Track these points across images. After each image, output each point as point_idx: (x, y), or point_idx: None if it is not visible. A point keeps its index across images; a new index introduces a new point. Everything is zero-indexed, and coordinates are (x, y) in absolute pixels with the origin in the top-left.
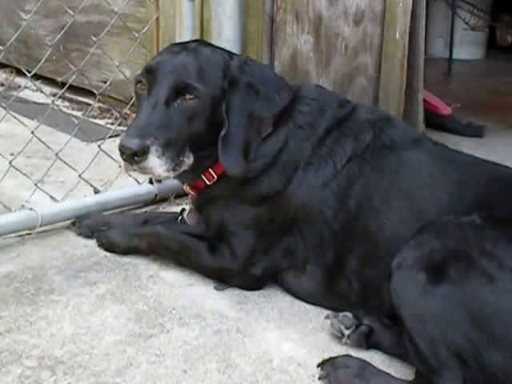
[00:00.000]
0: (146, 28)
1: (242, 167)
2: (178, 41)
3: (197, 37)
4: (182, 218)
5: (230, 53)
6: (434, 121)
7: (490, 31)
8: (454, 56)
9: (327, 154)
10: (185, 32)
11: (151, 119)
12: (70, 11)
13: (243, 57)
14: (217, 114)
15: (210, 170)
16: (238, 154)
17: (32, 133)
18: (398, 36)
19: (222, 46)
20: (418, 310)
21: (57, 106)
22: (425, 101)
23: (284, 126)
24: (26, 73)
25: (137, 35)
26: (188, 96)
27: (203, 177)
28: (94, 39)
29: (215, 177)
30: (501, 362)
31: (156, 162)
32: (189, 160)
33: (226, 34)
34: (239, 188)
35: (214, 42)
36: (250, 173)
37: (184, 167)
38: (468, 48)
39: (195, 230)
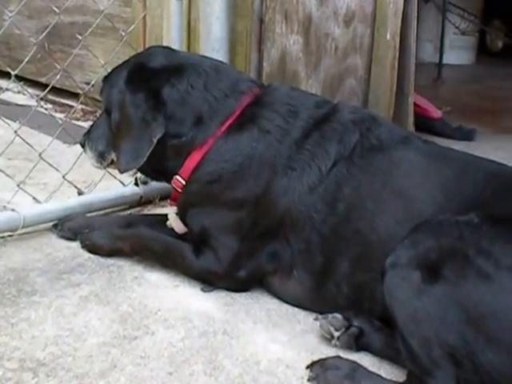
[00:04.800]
0: (132, 27)
1: (124, 167)
2: (164, 40)
3: (184, 36)
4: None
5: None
6: (424, 124)
7: (480, 36)
8: (444, 61)
9: (310, 159)
10: (172, 32)
11: (95, 121)
12: (55, 10)
13: (187, 59)
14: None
15: (178, 177)
16: (125, 154)
17: (15, 132)
18: (388, 37)
19: (210, 45)
20: (411, 310)
21: (41, 106)
22: (415, 104)
23: (246, 130)
24: (11, 71)
25: (123, 35)
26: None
27: (174, 185)
28: (79, 37)
29: (183, 182)
30: (496, 362)
31: (89, 154)
32: (110, 156)
33: (214, 34)
34: (208, 192)
35: (202, 42)
36: (208, 175)
37: (108, 161)
38: (458, 53)
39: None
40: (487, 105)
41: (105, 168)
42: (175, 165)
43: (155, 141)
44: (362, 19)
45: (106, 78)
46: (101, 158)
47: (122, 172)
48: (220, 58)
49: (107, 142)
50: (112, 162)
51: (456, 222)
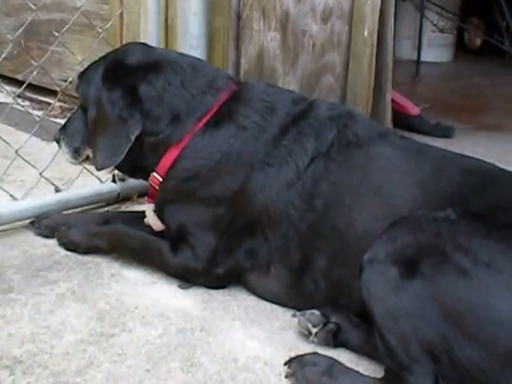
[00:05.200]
0: (108, 24)
1: (101, 164)
2: (142, 37)
3: (162, 33)
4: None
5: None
6: (402, 121)
7: (458, 34)
8: (422, 58)
9: (287, 155)
10: (149, 28)
11: (70, 117)
12: (32, 7)
13: (166, 56)
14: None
15: (155, 174)
16: (102, 152)
17: None
18: (366, 34)
19: (188, 42)
20: (389, 306)
21: (18, 103)
22: (393, 101)
23: (223, 127)
24: None
25: (100, 31)
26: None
27: (151, 182)
28: (56, 34)
29: (160, 179)
30: (475, 358)
31: (64, 150)
32: (85, 152)
33: (191, 31)
34: (185, 189)
35: (179, 39)
36: (185, 172)
37: (83, 157)
38: (436, 50)
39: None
40: (465, 102)
41: (80, 164)
42: (152, 162)
43: (133, 138)
44: (339, 16)
45: (82, 74)
46: (76, 153)
47: (98, 170)
48: (198, 55)
49: (82, 138)
50: (87, 158)
51: (433, 218)
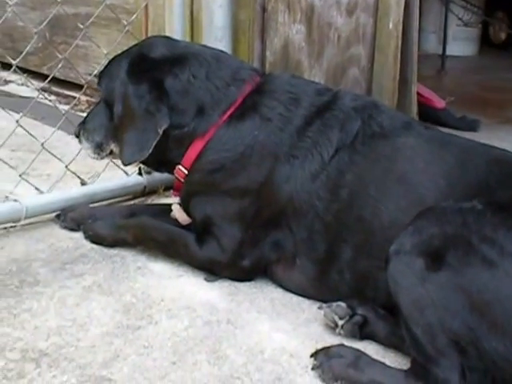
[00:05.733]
0: (133, 17)
1: (128, 159)
2: (167, 30)
3: (187, 26)
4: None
5: (178, 49)
6: (428, 114)
7: (483, 27)
8: (447, 52)
9: (312, 146)
10: (174, 21)
11: (90, 112)
12: (58, 1)
13: (192, 50)
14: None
15: (180, 167)
16: (129, 147)
17: (17, 122)
18: (391, 26)
19: (213, 34)
20: (415, 297)
21: (45, 98)
22: (418, 94)
23: (248, 119)
24: (12, 61)
25: (125, 24)
26: (100, 94)
27: (177, 175)
28: (81, 26)
29: (186, 172)
30: (501, 349)
31: (85, 145)
32: (109, 147)
33: (216, 23)
34: (211, 181)
35: (204, 31)
36: (210, 164)
37: (106, 152)
38: (461, 44)
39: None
40: (490, 96)
41: (102, 159)
42: (177, 155)
43: (161, 132)
44: (364, 8)
45: (106, 69)
46: (98, 148)
47: (125, 165)
48: (223, 47)
49: (105, 133)
50: (111, 153)
51: (459, 208)
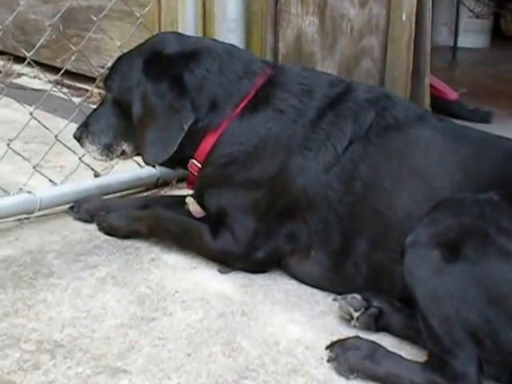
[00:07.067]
0: (146, 9)
1: (153, 158)
2: (180, 22)
3: (200, 17)
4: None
5: (190, 43)
6: (441, 106)
7: (494, 19)
8: (459, 44)
9: (325, 138)
10: (187, 13)
11: (92, 114)
12: None
13: (203, 44)
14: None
15: (194, 161)
16: (152, 146)
17: (31, 114)
18: (404, 18)
19: (226, 26)
20: (432, 289)
21: (58, 90)
22: (431, 85)
23: (261, 111)
24: (26, 53)
25: (138, 16)
26: (108, 93)
27: (190, 169)
28: (94, 19)
29: (199, 166)
30: None
31: (89, 147)
32: (121, 147)
33: (229, 14)
34: (224, 174)
35: (217, 23)
36: (223, 157)
37: (117, 153)
38: (473, 36)
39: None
40: (503, 87)
41: (111, 160)
42: (191, 149)
43: (186, 128)
44: (377, 0)
45: (114, 69)
46: (107, 150)
47: (149, 164)
48: (236, 39)
49: (115, 134)
50: (123, 153)
51: (476, 200)
